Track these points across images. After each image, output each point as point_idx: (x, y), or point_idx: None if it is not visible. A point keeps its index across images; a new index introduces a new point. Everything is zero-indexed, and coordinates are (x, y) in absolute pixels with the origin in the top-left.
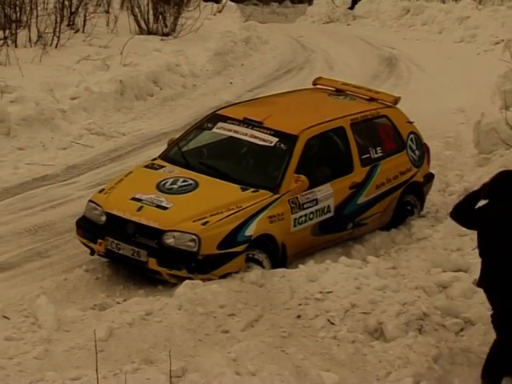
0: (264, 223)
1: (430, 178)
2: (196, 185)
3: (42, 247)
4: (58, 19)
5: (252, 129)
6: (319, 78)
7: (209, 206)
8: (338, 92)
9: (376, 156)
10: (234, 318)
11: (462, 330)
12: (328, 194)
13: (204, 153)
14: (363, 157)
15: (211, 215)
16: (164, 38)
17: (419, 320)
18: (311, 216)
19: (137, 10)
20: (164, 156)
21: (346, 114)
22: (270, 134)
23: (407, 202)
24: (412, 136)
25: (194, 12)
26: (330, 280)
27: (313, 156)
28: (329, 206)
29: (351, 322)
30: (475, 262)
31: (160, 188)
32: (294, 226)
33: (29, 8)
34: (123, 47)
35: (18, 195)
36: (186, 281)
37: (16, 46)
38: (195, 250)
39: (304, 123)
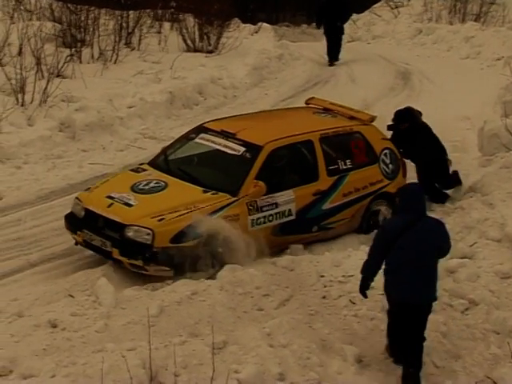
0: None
1: None
2: (165, 186)
3: None
4: (117, 39)
5: (226, 139)
6: (312, 98)
7: (169, 205)
8: (326, 110)
9: (344, 167)
10: (268, 298)
11: (467, 309)
12: (289, 199)
13: (183, 160)
14: (330, 167)
15: (169, 213)
16: (208, 54)
17: None
18: (270, 218)
19: (184, 30)
20: (151, 161)
21: (316, 129)
22: (239, 145)
23: (376, 211)
24: (386, 151)
25: (234, 32)
26: (351, 265)
27: (276, 165)
28: (290, 210)
29: (370, 302)
30: (479, 250)
31: (133, 188)
32: (252, 226)
33: (92, 29)
34: (173, 63)
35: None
36: (227, 265)
37: (81, 62)
38: (150, 242)
39: (271, 136)
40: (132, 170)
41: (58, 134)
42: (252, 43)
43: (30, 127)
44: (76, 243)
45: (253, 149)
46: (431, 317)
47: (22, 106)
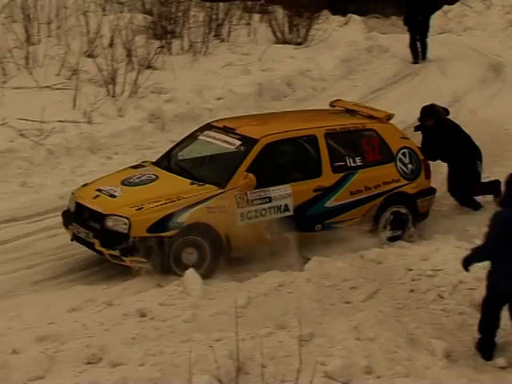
0: (200, 213)
1: (427, 192)
2: (154, 179)
3: None
4: (207, 30)
5: (226, 135)
6: (337, 100)
7: (151, 196)
8: (348, 111)
9: (353, 165)
10: (356, 291)
11: None
12: (285, 194)
13: (183, 156)
14: (336, 164)
15: (149, 203)
16: (297, 46)
17: None
18: (263, 212)
19: (274, 22)
20: (156, 160)
21: (322, 125)
22: (236, 139)
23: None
24: (405, 150)
25: (324, 24)
26: (440, 259)
27: (272, 158)
28: (286, 205)
29: (459, 297)
30: None
31: (123, 182)
32: (242, 219)
33: (181, 21)
34: (262, 55)
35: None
36: (314, 257)
37: (171, 54)
38: (126, 231)
39: (269, 130)
40: (132, 167)
41: (147, 125)
42: (341, 35)
43: (121, 118)
44: (72, 239)
45: (248, 142)
46: None
47: (113, 97)
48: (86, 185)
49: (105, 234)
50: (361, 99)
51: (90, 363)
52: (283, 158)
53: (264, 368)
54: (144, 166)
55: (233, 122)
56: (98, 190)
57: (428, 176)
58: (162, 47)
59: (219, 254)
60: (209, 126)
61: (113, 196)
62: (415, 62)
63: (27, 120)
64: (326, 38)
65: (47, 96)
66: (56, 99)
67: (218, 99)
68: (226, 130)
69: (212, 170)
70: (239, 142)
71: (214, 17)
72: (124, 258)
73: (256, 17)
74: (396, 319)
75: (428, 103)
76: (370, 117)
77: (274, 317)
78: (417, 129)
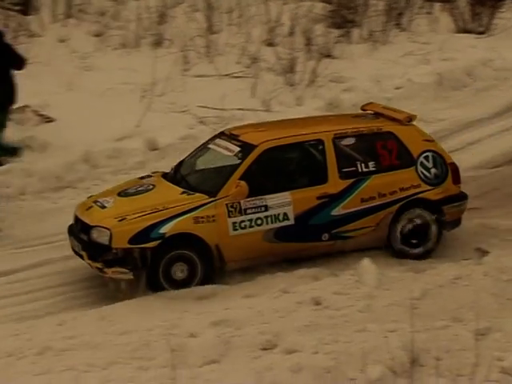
0: (185, 223)
1: (456, 198)
2: (150, 189)
3: None
4: (387, 19)
5: (230, 142)
6: (369, 103)
7: (137, 206)
8: (376, 115)
9: (365, 170)
10: None
11: None
12: (284, 202)
13: (188, 165)
14: (345, 169)
15: (133, 213)
16: (479, 35)
17: None
18: (259, 222)
19: (456, 11)
20: (168, 171)
21: (332, 129)
22: (237, 145)
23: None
24: (428, 154)
25: (507, 13)
26: None
27: (271, 165)
28: (286, 214)
29: None
30: None
31: (120, 192)
32: (235, 229)
33: (361, 10)
34: (442, 44)
35: None
36: (493, 251)
37: (350, 43)
38: (108, 243)
39: (271, 136)
40: (140, 178)
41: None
42: None
43: (299, 107)
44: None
45: (246, 148)
46: None
47: (292, 85)
48: (91, 197)
49: (91, 245)
50: None
51: (265, 349)
52: (284, 165)
53: (439, 361)
54: (150, 177)
55: (241, 129)
56: (95, 202)
57: (457, 181)
58: (341, 36)
59: (211, 265)
60: (220, 134)
61: (103, 207)
62: None
63: (207, 107)
64: (509, 27)
65: (227, 84)
66: (235, 87)
67: (397, 88)
68: (231, 137)
69: (208, 179)
70: (238, 149)
71: (394, 6)
72: (106, 270)
73: (437, 5)
74: None
75: None
76: (393, 119)
77: (449, 309)
78: None
